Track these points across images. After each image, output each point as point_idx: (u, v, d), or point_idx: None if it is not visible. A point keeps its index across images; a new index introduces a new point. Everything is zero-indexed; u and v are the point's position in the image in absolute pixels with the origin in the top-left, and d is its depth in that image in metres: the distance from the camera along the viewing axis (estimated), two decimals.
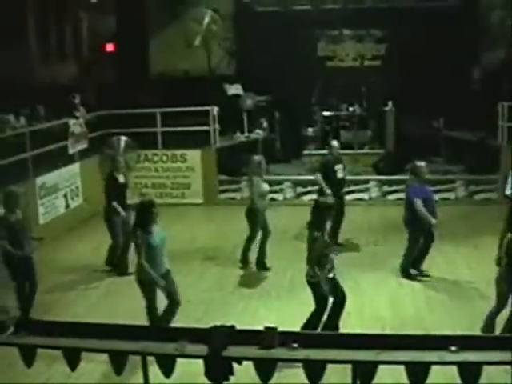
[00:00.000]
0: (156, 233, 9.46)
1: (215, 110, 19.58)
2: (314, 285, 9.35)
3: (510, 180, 12.64)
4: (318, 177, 14.36)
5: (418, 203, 12.22)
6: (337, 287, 9.53)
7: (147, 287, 9.50)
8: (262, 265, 13.14)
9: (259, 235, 13.16)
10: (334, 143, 14.74)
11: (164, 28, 23.37)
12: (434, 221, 12.21)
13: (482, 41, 22.77)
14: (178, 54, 23.00)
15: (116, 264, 13.16)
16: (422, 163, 12.60)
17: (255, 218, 12.98)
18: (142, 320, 9.25)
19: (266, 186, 13.17)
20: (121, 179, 13.21)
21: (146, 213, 9.47)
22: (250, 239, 13.21)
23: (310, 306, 10.73)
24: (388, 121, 21.07)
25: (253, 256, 13.27)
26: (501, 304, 9.32)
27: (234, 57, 23.69)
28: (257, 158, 13.51)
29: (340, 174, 14.40)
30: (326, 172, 14.33)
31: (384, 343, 6.43)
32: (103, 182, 13.79)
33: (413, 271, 12.59)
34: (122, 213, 12.93)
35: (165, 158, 19.04)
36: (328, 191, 13.88)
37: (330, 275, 9.40)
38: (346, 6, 22.87)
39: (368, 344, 6.39)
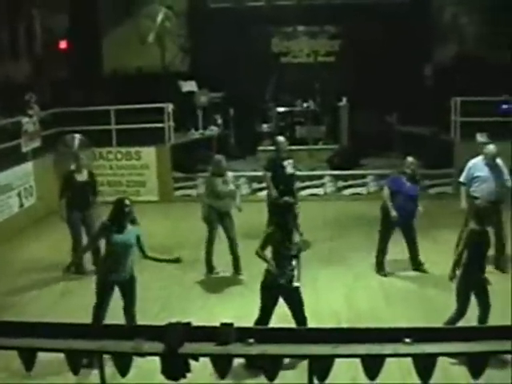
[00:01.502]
0: (126, 234, 9.29)
1: (169, 107, 19.53)
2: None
3: (466, 169, 12.85)
4: (267, 175, 14.31)
5: (385, 192, 12.57)
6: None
7: (100, 287, 9.42)
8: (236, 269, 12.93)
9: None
10: (281, 139, 14.54)
11: (117, 25, 23.24)
12: (393, 213, 12.33)
13: (434, 37, 22.98)
14: (132, 51, 22.90)
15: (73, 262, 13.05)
16: (410, 158, 12.79)
17: (207, 216, 12.80)
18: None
19: (225, 187, 12.70)
20: (79, 177, 13.07)
21: (117, 211, 9.33)
22: (207, 241, 12.92)
23: None
24: (342, 116, 21.22)
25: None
26: (461, 309, 9.35)
27: (187, 53, 23.64)
28: (217, 156, 13.27)
29: (289, 170, 14.23)
30: (274, 169, 14.20)
31: (340, 337, 6.47)
32: (60, 180, 13.67)
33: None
34: (63, 214, 12.92)
35: (119, 156, 18.95)
36: (273, 192, 13.86)
37: (295, 283, 9.16)
38: (299, 3, 22.98)
39: (324, 338, 6.43)
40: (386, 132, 20.96)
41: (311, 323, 9.39)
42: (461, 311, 9.26)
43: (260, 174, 18.31)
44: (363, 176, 19.12)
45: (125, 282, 9.34)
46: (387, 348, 6.37)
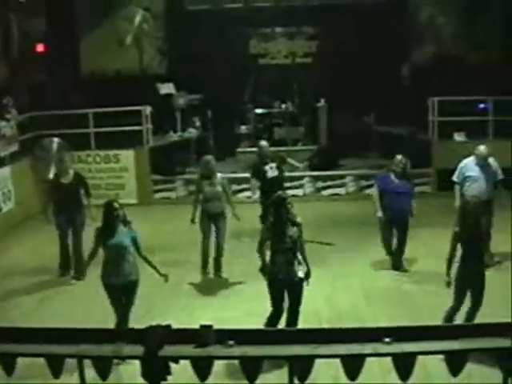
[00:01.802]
0: (119, 236, 9.26)
1: (148, 109, 19.50)
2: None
3: (458, 168, 12.95)
4: (252, 181, 14.49)
5: (374, 192, 12.91)
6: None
7: (106, 291, 9.40)
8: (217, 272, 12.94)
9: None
10: (263, 143, 14.63)
11: (95, 27, 23.15)
12: (379, 213, 12.60)
13: (411, 37, 23.08)
14: (110, 53, 22.85)
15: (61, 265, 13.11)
16: (399, 156, 12.83)
17: (200, 222, 12.77)
18: (80, 323, 9.17)
19: (212, 189, 12.61)
20: (64, 180, 12.99)
21: (107, 214, 9.29)
22: (201, 243, 12.89)
23: (250, 303, 10.86)
24: (320, 117, 21.26)
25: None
26: (457, 303, 9.42)
27: (165, 56, 23.59)
28: (206, 157, 13.12)
29: (270, 174, 14.21)
30: (256, 173, 14.34)
31: (320, 337, 6.49)
32: (42, 184, 13.58)
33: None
34: (49, 217, 12.89)
35: (98, 159, 18.89)
36: (255, 195, 14.09)
37: (299, 274, 9.28)
38: (277, 4, 22.99)
39: (304, 339, 6.45)
40: (364, 132, 21.04)
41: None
42: (455, 307, 9.38)
43: (238, 175, 18.43)
44: (342, 177, 19.18)
45: (124, 286, 9.31)
46: (367, 348, 6.40)
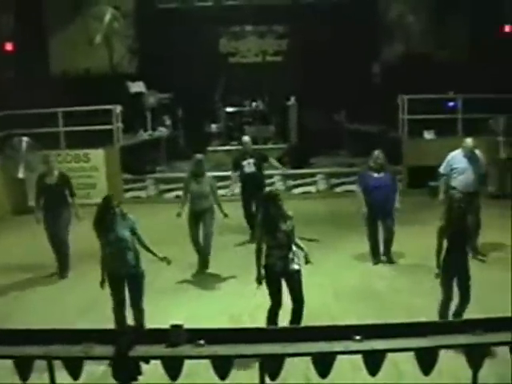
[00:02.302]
0: (118, 230, 9.27)
1: (118, 108, 19.43)
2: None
3: (445, 161, 13.15)
4: (232, 174, 14.85)
5: (357, 190, 13.01)
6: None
7: (109, 284, 9.40)
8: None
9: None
10: (245, 139, 15.08)
11: (65, 26, 23.02)
12: (363, 210, 12.72)
13: (382, 35, 23.17)
14: (80, 52, 22.72)
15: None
16: (376, 151, 13.02)
17: (187, 221, 12.85)
18: (51, 322, 9.10)
19: (198, 187, 12.71)
20: (49, 181, 12.95)
21: (105, 210, 9.26)
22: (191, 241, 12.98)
23: (222, 300, 10.86)
24: (291, 115, 21.31)
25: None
26: (446, 295, 9.51)
27: (136, 54, 23.51)
28: (197, 156, 13.22)
29: (247, 169, 14.56)
30: (235, 168, 14.73)
31: (290, 335, 6.51)
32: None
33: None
34: (38, 217, 12.84)
35: (68, 158, 18.78)
36: (235, 189, 14.38)
37: (295, 266, 9.42)
38: (247, 3, 22.97)
39: (274, 337, 6.46)
40: (334, 130, 21.14)
41: (263, 323, 9.45)
42: (444, 300, 9.48)
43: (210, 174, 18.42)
44: (312, 175, 19.21)
45: (129, 277, 9.35)
46: (337, 346, 6.43)
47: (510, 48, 20.07)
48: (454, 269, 9.40)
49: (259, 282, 9.40)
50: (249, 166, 14.61)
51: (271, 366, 6.37)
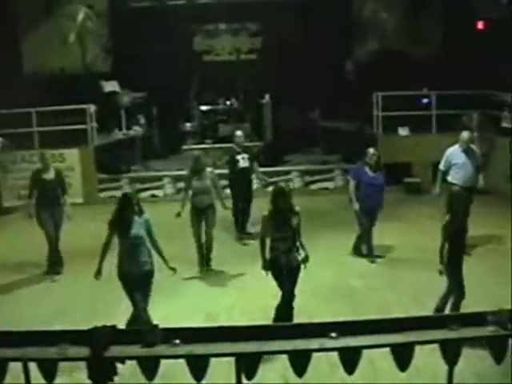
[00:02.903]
0: (135, 227, 9.26)
1: (92, 107, 19.34)
2: None
3: (444, 157, 13.37)
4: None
5: (350, 184, 13.15)
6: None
7: (122, 282, 9.38)
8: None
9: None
10: (238, 133, 15.22)
11: (38, 25, 22.86)
12: (355, 206, 12.91)
13: (355, 33, 23.21)
14: (53, 51, 22.55)
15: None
16: (371, 149, 13.13)
17: (190, 218, 12.94)
18: (24, 325, 9.04)
19: (199, 183, 12.86)
20: (46, 176, 13.00)
21: (125, 206, 9.27)
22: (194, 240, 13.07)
23: (198, 299, 10.83)
24: (265, 113, 21.31)
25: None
26: (459, 291, 9.54)
27: (109, 53, 23.40)
28: (196, 152, 13.59)
29: (241, 164, 14.78)
30: (230, 164, 14.94)
31: (266, 334, 6.51)
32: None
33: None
34: (31, 212, 12.88)
35: None
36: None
37: (297, 261, 9.55)
38: (220, 1, 22.93)
39: (250, 336, 6.46)
40: (309, 128, 21.15)
41: (240, 321, 9.45)
42: (459, 294, 9.51)
43: (184, 173, 18.44)
44: (287, 172, 19.22)
45: (141, 275, 9.31)
46: (313, 343, 6.44)
47: (483, 44, 20.17)
48: (459, 264, 9.50)
49: (266, 269, 9.56)
50: (244, 160, 14.84)
51: (248, 364, 6.36)
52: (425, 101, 20.15)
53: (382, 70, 20.82)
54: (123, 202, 9.35)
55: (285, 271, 9.47)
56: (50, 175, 13.08)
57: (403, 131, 19.46)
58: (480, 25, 20.94)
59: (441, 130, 19.27)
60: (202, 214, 12.89)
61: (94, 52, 23.25)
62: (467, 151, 13.12)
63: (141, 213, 9.40)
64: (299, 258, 9.54)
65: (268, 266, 9.51)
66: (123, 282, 9.35)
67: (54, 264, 13.13)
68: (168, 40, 22.11)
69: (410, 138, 18.94)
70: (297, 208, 9.56)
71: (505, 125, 18.09)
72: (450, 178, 13.09)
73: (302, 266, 9.58)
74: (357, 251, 13.37)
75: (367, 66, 22.21)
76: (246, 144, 20.22)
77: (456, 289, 9.51)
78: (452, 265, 9.42)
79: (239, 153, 14.86)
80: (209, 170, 13.12)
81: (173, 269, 9.72)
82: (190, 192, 12.99)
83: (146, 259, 9.36)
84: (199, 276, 12.56)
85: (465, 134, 13.27)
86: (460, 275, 9.48)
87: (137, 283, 9.30)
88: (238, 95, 21.79)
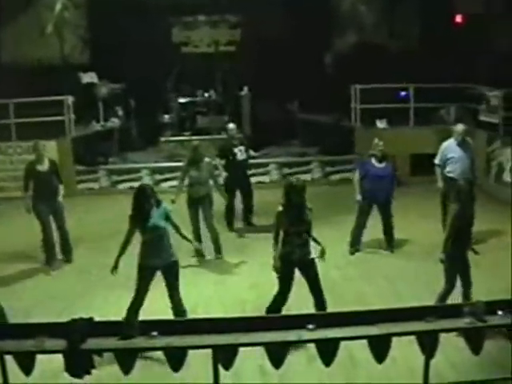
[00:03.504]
0: (154, 218, 9.17)
1: (70, 99, 19.25)
2: None
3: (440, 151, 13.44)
4: (218, 161, 14.78)
5: (355, 177, 13.17)
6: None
7: (140, 274, 9.28)
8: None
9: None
10: (230, 126, 15.26)
11: (16, 16, 22.70)
12: (358, 197, 12.92)
13: (334, 26, 23.22)
14: (31, 42, 22.41)
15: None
16: (376, 140, 13.14)
17: (188, 208, 13.03)
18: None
19: (196, 173, 12.92)
20: (41, 168, 12.87)
21: (142, 199, 9.15)
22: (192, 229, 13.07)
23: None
24: (244, 105, 21.29)
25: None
26: (449, 284, 9.54)
27: (87, 44, 23.28)
28: (194, 142, 13.57)
29: (240, 156, 14.80)
30: (224, 156, 14.80)
31: (243, 326, 6.53)
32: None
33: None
34: (28, 205, 12.77)
35: (19, 150, 18.52)
36: (220, 179, 14.22)
37: (311, 256, 9.52)
38: None
39: (228, 328, 6.47)
40: (287, 120, 21.16)
41: (217, 313, 9.46)
42: (448, 287, 9.48)
43: (162, 165, 18.45)
44: (266, 164, 19.23)
45: (164, 268, 9.21)
46: (291, 335, 6.46)
47: (461, 38, 20.26)
48: (461, 259, 9.51)
49: (276, 269, 9.49)
50: (241, 153, 14.87)
51: (225, 356, 6.38)
52: (403, 94, 20.22)
53: (360, 63, 20.85)
54: (138, 194, 9.23)
55: (297, 267, 9.47)
56: (45, 166, 12.91)
57: (381, 124, 19.52)
58: (458, 18, 21.03)
59: (418, 122, 19.37)
60: (198, 204, 12.98)
61: (71, 43, 23.12)
62: (462, 144, 13.16)
63: (158, 203, 9.29)
64: (314, 253, 9.50)
65: (279, 264, 9.44)
66: (141, 275, 9.25)
67: (67, 253, 13.14)
68: (146, 31, 21.96)
69: (387, 131, 18.98)
70: (309, 205, 9.55)
71: (482, 118, 18.20)
72: (448, 173, 13.13)
73: (318, 261, 9.53)
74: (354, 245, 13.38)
75: (346, 58, 22.24)
76: (223, 136, 20.41)
77: (447, 280, 9.54)
78: (453, 258, 9.43)
79: (236, 145, 14.86)
80: (207, 160, 13.16)
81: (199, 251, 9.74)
82: (186, 182, 13.08)
83: (168, 251, 9.25)
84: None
85: (459, 127, 13.28)
86: (457, 270, 9.48)
87: (152, 277, 9.23)
88: (216, 87, 21.75)
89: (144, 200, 9.15)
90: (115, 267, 9.33)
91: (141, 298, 9.24)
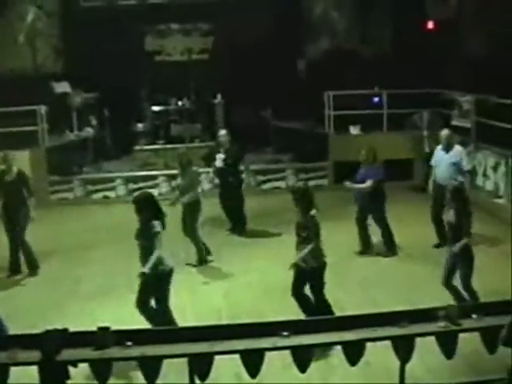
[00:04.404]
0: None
1: (43, 108, 19.16)
2: None
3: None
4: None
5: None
6: None
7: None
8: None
9: None
10: (221, 132, 15.35)
11: None
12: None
13: (307, 32, 23.28)
14: (4, 52, 22.30)
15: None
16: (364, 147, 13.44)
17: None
18: None
19: (180, 181, 13.24)
20: (9, 177, 12.79)
21: (154, 206, 9.26)
22: None
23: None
24: (217, 113, 21.30)
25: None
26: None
27: (60, 54, 23.20)
28: (181, 149, 14.16)
29: (217, 164, 14.91)
30: (209, 160, 15.45)
31: (218, 334, 6.54)
32: None
33: None
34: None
35: None
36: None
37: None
38: (172, 0, 22.86)
39: (202, 336, 6.48)
40: (261, 127, 21.18)
41: (191, 322, 9.45)
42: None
43: (136, 174, 18.44)
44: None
45: (150, 276, 9.06)
46: (266, 342, 6.48)
47: (432, 43, 20.39)
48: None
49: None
50: (219, 160, 14.91)
51: (200, 365, 6.38)
52: (376, 100, 20.30)
53: (333, 69, 20.94)
54: (149, 202, 9.37)
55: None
56: (12, 176, 12.85)
57: (354, 130, 19.60)
58: (430, 24, 21.15)
59: (392, 128, 19.46)
60: (183, 211, 13.15)
61: (44, 53, 23.01)
62: (445, 149, 13.43)
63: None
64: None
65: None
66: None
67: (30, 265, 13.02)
68: (119, 40, 21.92)
69: (361, 137, 19.07)
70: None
71: (455, 123, 18.32)
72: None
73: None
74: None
75: (318, 64, 22.28)
76: (197, 145, 20.43)
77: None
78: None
79: (219, 152, 14.96)
80: (194, 168, 13.39)
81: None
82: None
83: (156, 259, 9.12)
84: None
85: (442, 133, 13.66)
86: None
87: (153, 284, 9.18)
88: (189, 95, 21.73)
89: (154, 206, 9.36)
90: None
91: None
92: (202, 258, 13.17)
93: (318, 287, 9.68)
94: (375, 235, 13.53)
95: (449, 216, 9.91)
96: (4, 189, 12.79)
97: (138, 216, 9.30)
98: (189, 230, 13.13)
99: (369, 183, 12.99)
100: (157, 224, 9.19)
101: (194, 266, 13.07)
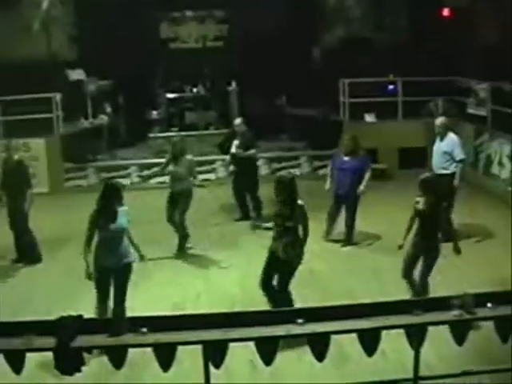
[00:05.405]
0: (118, 218, 8.89)
1: (58, 96, 19.19)
2: None
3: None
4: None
5: (329, 166, 13.71)
6: None
7: (97, 274, 8.96)
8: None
9: None
10: (236, 121, 15.43)
11: (2, 13, 22.61)
12: (326, 186, 13.36)
13: (322, 20, 23.20)
14: (18, 39, 22.33)
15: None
16: (346, 135, 13.78)
17: (166, 202, 13.29)
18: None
19: (174, 169, 13.14)
20: (8, 166, 12.88)
21: (109, 196, 8.96)
22: None
23: (164, 288, 10.83)
24: (232, 100, 21.29)
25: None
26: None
27: (75, 41, 23.19)
28: (176, 137, 14.04)
29: (232, 150, 15.00)
30: (224, 147, 15.56)
31: (232, 321, 6.53)
32: None
33: None
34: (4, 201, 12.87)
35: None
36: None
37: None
38: None
39: (216, 323, 6.48)
40: (276, 115, 21.15)
41: (205, 309, 9.45)
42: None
43: (150, 161, 18.43)
44: None
45: (119, 268, 8.90)
46: (280, 329, 6.47)
47: (449, 31, 20.28)
48: (420, 250, 9.73)
49: None
50: (234, 146, 14.99)
51: (214, 352, 6.38)
52: (391, 87, 20.24)
53: (348, 57, 20.88)
54: (108, 191, 9.01)
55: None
56: (12, 165, 12.91)
57: (369, 117, 19.56)
58: (445, 12, 21.04)
59: (406, 116, 19.40)
60: (173, 198, 13.07)
61: (59, 40, 22.99)
62: (441, 138, 13.18)
63: (122, 202, 9.08)
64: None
65: None
66: (98, 274, 8.93)
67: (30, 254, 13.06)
68: (134, 27, 21.90)
69: (376, 125, 19.03)
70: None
71: (471, 111, 18.25)
72: None
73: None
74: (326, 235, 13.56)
75: (334, 52, 22.22)
76: (211, 132, 20.44)
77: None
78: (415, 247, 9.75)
79: (233, 138, 15.11)
80: (188, 157, 13.21)
81: (142, 257, 9.47)
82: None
83: (126, 251, 9.00)
84: (166, 264, 12.54)
85: (437, 121, 13.37)
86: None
87: (110, 276, 8.94)
88: (204, 83, 21.74)
89: (114, 198, 8.97)
90: (88, 271, 8.96)
91: (103, 303, 9.06)
92: (184, 247, 13.24)
93: (289, 278, 9.58)
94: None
95: (419, 205, 9.73)
96: (5, 176, 12.89)
97: None
98: (178, 217, 13.09)
99: (367, 176, 13.18)
100: None
101: (174, 253, 13.14)
